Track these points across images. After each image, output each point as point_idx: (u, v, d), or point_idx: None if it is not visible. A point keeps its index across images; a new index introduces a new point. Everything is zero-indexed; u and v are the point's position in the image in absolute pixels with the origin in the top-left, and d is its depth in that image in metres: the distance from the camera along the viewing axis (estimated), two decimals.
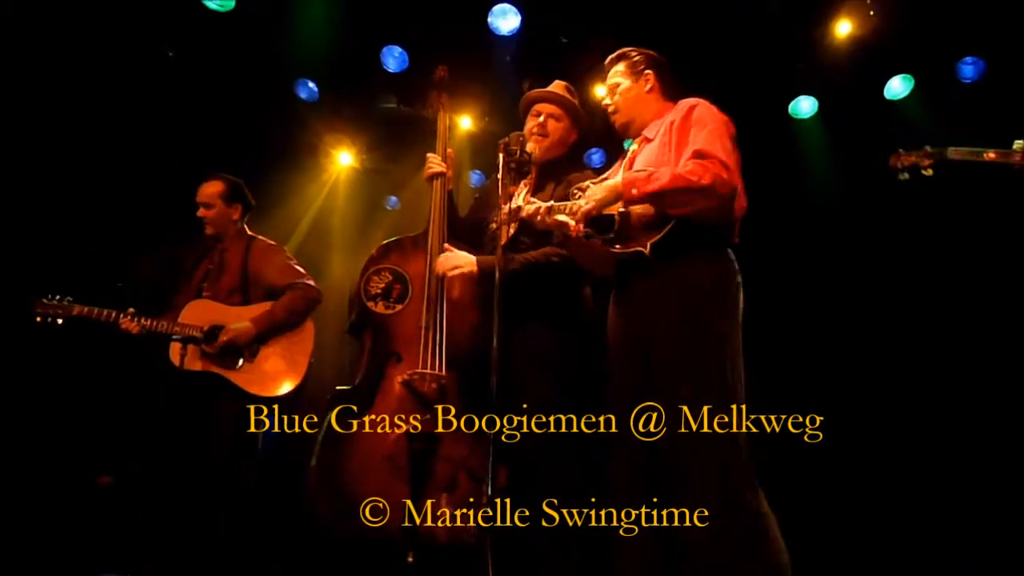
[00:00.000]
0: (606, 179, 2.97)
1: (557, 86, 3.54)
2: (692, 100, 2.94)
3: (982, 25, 4.71)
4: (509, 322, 2.83)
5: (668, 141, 2.88)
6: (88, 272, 4.77)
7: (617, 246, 2.81)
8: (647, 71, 3.08)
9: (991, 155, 3.03)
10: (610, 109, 3.13)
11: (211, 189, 4.11)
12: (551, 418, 3.11)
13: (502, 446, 2.91)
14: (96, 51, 4.83)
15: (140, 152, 5.15)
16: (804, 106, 5.46)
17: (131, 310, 3.87)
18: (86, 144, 5.02)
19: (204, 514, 3.73)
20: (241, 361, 3.88)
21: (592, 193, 2.83)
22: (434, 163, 3.60)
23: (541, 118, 3.45)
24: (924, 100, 5.16)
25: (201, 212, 4.09)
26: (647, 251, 2.72)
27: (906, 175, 3.09)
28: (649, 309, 2.79)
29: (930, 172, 3.05)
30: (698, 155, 2.71)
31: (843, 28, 5.05)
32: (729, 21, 5.02)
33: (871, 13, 4.93)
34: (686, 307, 2.72)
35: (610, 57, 3.17)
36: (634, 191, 2.72)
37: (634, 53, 3.13)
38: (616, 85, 3.11)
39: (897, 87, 5.23)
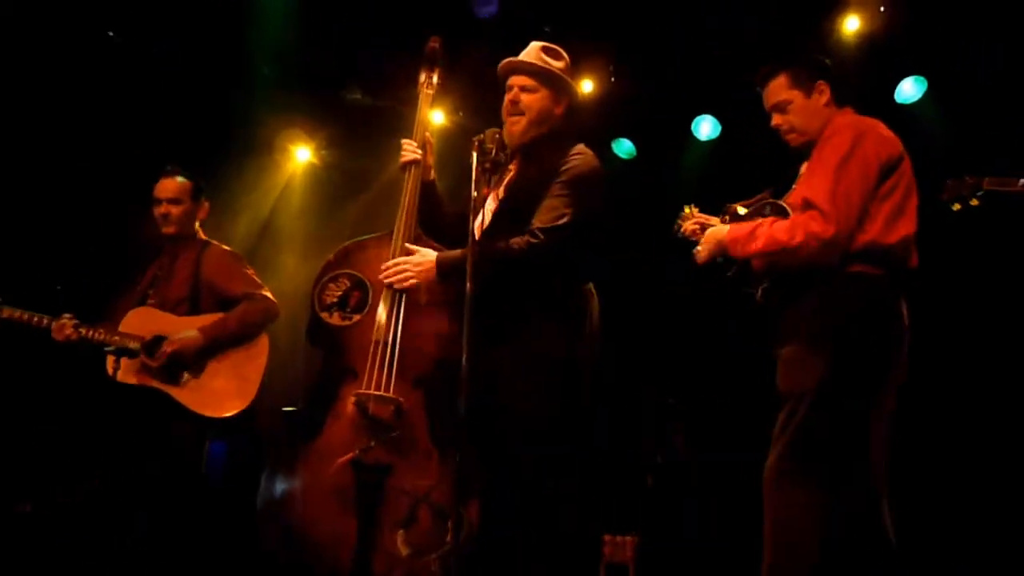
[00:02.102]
0: (763, 198, 3.01)
1: (531, 51, 3.21)
2: (837, 123, 2.89)
3: (1001, 21, 4.62)
4: (487, 328, 2.71)
5: (809, 172, 2.91)
6: (25, 273, 4.65)
7: (739, 285, 2.98)
8: (819, 80, 2.96)
9: (1023, 183, 3.02)
10: (784, 129, 3.00)
11: (178, 184, 3.98)
12: (540, 444, 2.90)
13: (473, 476, 2.83)
14: (30, 34, 4.73)
15: (77, 147, 5.06)
16: None
17: (67, 315, 3.77)
18: (21, 141, 4.92)
19: (140, 543, 3.64)
20: (186, 375, 3.75)
21: (704, 243, 2.97)
22: (408, 149, 3.33)
23: (512, 93, 3.13)
24: (938, 104, 5.10)
25: (165, 208, 3.95)
26: (759, 297, 2.91)
27: (958, 205, 3.05)
28: (779, 361, 2.89)
29: (976, 203, 3.03)
30: (803, 204, 2.77)
31: (851, 24, 4.97)
32: (728, 15, 4.92)
33: (881, 8, 4.86)
34: (791, 354, 2.81)
35: (762, 71, 3.04)
36: (739, 249, 2.85)
37: (795, 63, 3.01)
38: (786, 102, 2.97)
39: (909, 90, 5.16)
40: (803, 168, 3.02)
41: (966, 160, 3.32)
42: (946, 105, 5.09)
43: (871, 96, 5.07)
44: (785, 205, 2.85)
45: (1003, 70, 4.81)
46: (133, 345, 3.71)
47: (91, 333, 3.75)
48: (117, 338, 3.73)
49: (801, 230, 2.70)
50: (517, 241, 2.94)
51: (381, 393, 3.13)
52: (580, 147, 3.10)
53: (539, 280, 2.97)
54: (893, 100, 5.18)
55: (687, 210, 3.23)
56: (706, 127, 5.81)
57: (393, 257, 3.20)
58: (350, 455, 3.09)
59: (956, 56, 4.95)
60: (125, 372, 3.67)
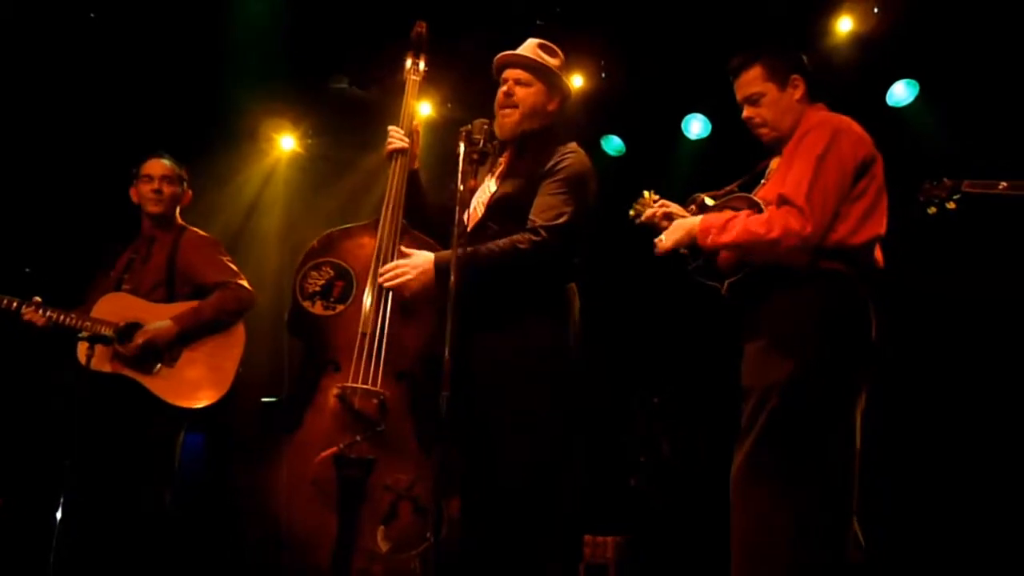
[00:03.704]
0: (731, 191, 3.01)
1: (527, 46, 3.24)
2: (811, 119, 2.86)
3: (994, 24, 4.62)
4: (476, 325, 2.71)
5: (783, 167, 2.86)
6: None
7: (701, 277, 2.93)
8: (793, 75, 2.91)
9: (1004, 185, 2.98)
10: (755, 122, 2.94)
11: (168, 165, 3.98)
12: (530, 440, 2.89)
13: (455, 472, 2.82)
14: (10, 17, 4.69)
15: (54, 131, 5.00)
16: None
17: (36, 299, 3.72)
18: None
19: (113, 535, 3.61)
20: (159, 365, 3.71)
21: (671, 231, 2.89)
22: (395, 137, 3.33)
23: (507, 86, 3.16)
24: (930, 108, 5.10)
25: (158, 185, 3.92)
26: (723, 290, 2.85)
27: (933, 209, 3.02)
28: (745, 357, 2.87)
29: (953, 206, 2.99)
30: (779, 200, 2.74)
31: (844, 25, 4.98)
32: (721, 14, 4.92)
33: (875, 10, 4.86)
34: (761, 348, 2.77)
35: (734, 61, 2.96)
36: (708, 240, 2.78)
37: (771, 54, 2.93)
38: (758, 95, 2.91)
39: (900, 93, 5.17)
40: (773, 163, 2.98)
41: (957, 164, 3.28)
42: (938, 108, 5.10)
43: (862, 98, 5.09)
44: (757, 199, 2.83)
45: (996, 73, 4.80)
46: (106, 331, 3.68)
47: (62, 318, 3.71)
48: (89, 323, 3.70)
49: (779, 225, 2.67)
50: (520, 239, 2.93)
51: (368, 387, 3.11)
52: (573, 145, 3.13)
53: (534, 277, 2.98)
54: (885, 102, 5.19)
55: (646, 195, 3.15)
56: (696, 125, 5.82)
57: (379, 249, 3.21)
58: (333, 449, 3.06)
59: (948, 59, 4.94)
60: (99, 359, 3.62)
